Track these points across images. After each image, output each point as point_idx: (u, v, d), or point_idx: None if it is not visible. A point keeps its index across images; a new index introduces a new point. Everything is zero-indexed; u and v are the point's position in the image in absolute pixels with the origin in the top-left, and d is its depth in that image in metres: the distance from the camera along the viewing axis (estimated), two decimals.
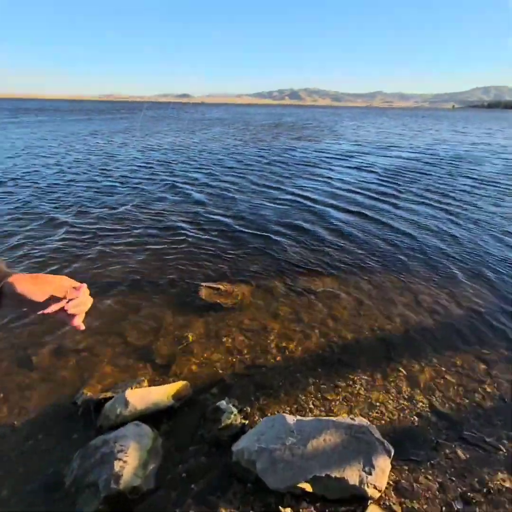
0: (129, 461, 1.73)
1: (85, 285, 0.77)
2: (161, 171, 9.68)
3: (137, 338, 2.89)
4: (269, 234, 5.19)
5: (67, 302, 0.73)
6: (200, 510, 1.66)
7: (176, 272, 4.00)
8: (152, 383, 2.41)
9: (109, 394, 2.25)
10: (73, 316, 0.75)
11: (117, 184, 8.15)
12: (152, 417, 2.07)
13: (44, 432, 2.08)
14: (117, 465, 1.70)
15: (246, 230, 5.34)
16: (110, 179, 8.64)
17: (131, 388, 2.20)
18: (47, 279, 0.74)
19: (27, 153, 12.24)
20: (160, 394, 2.15)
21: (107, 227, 5.35)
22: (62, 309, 0.74)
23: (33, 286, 0.71)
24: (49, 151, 12.85)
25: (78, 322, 0.76)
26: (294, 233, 5.27)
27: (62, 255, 4.39)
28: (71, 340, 2.81)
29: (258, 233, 5.24)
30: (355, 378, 2.50)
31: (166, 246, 4.72)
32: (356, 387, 2.42)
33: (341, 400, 2.31)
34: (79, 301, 0.75)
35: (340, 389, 2.39)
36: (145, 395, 2.12)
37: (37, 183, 8.03)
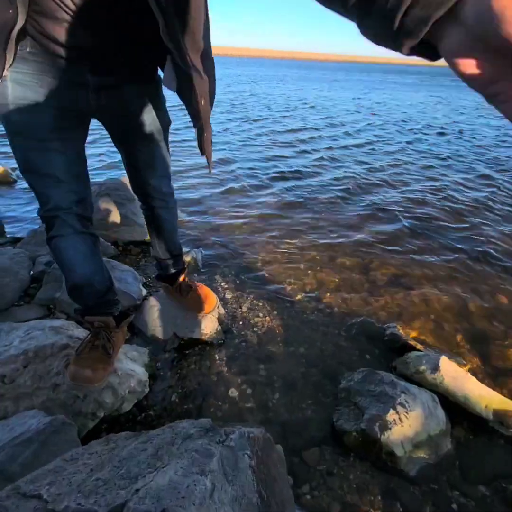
0: (405, 425, 1.38)
1: None
2: None
3: (481, 317, 2.24)
4: None
5: None
6: None
7: None
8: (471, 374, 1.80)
9: (419, 346, 1.90)
10: None
11: None
12: (453, 408, 1.55)
13: (354, 333, 2.09)
14: (390, 416, 1.40)
15: None
16: None
17: (447, 359, 1.72)
18: None
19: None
20: (479, 395, 1.54)
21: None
22: None
23: None
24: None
25: None
26: None
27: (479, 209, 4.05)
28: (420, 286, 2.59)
29: None
30: None
31: None
32: None
33: None
34: None
35: None
36: (460, 377, 1.59)
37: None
